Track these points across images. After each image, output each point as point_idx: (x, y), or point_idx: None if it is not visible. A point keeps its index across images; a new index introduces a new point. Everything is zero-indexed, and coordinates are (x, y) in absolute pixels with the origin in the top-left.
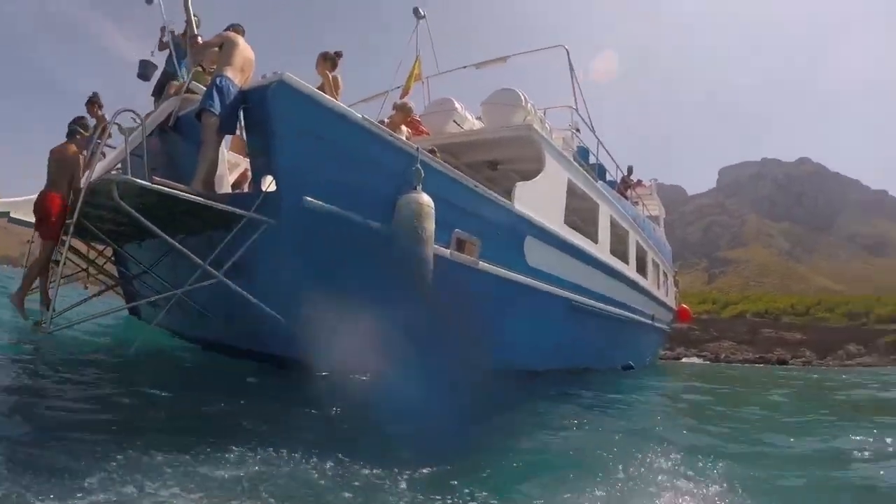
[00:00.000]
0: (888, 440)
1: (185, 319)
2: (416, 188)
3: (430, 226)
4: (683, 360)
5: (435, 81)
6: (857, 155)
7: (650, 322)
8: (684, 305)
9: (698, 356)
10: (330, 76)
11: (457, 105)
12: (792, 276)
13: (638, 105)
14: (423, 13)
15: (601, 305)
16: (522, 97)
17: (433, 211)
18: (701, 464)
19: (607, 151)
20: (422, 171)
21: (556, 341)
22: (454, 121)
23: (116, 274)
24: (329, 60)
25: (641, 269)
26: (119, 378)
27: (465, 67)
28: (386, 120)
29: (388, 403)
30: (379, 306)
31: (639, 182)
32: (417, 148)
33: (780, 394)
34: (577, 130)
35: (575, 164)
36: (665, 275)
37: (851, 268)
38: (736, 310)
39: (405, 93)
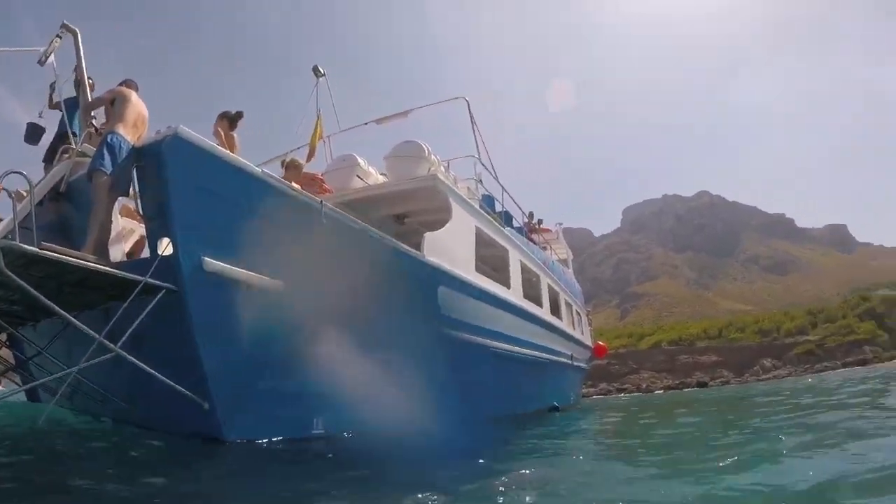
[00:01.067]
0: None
1: (88, 404)
2: None
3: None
4: (601, 396)
5: (338, 140)
6: (754, 183)
7: (570, 362)
8: (599, 342)
9: (620, 389)
10: (223, 134)
11: (360, 160)
12: (701, 303)
13: (544, 154)
14: (322, 71)
15: (519, 349)
16: (425, 149)
17: None
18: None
19: (512, 198)
20: (325, 222)
21: (479, 389)
22: (358, 176)
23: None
24: (228, 119)
25: (555, 310)
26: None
27: (366, 123)
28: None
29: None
30: (292, 369)
31: (540, 223)
32: (321, 201)
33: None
34: (480, 181)
35: (482, 212)
36: (578, 314)
37: (756, 289)
38: (651, 341)
39: (311, 153)
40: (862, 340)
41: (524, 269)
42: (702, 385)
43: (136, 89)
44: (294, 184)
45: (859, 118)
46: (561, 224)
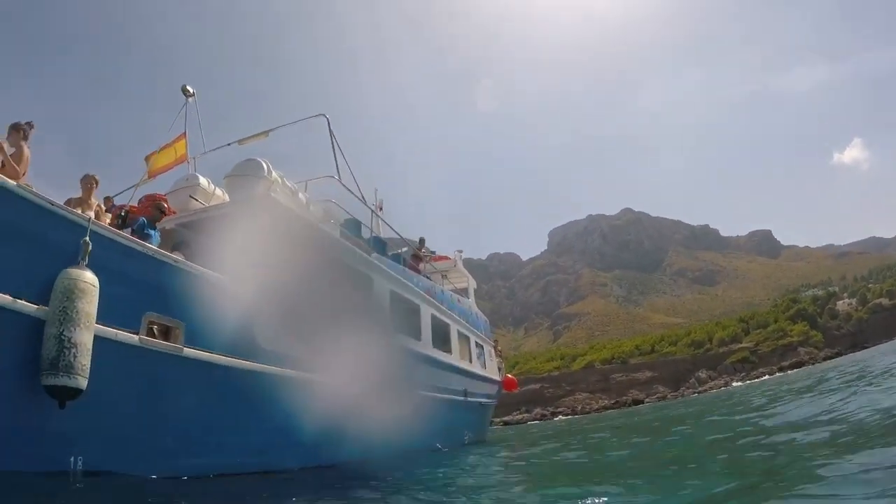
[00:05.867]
0: None
1: None
2: (79, 263)
3: (87, 306)
4: (536, 421)
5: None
6: (676, 197)
7: (462, 398)
8: (509, 375)
9: (554, 413)
10: (5, 147)
11: (202, 181)
12: (632, 319)
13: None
14: (191, 91)
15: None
16: (265, 167)
17: (96, 289)
18: None
19: (384, 221)
20: (90, 244)
21: (313, 433)
22: (192, 196)
23: None
24: (19, 131)
25: (442, 343)
26: None
27: (229, 144)
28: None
29: None
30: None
31: (431, 253)
32: (89, 219)
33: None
34: (381, 209)
35: (335, 235)
36: (479, 346)
37: (686, 301)
38: (584, 361)
39: (160, 170)
40: (796, 343)
41: (396, 299)
42: (637, 402)
43: None
44: (94, 200)
45: (770, 123)
46: (461, 251)
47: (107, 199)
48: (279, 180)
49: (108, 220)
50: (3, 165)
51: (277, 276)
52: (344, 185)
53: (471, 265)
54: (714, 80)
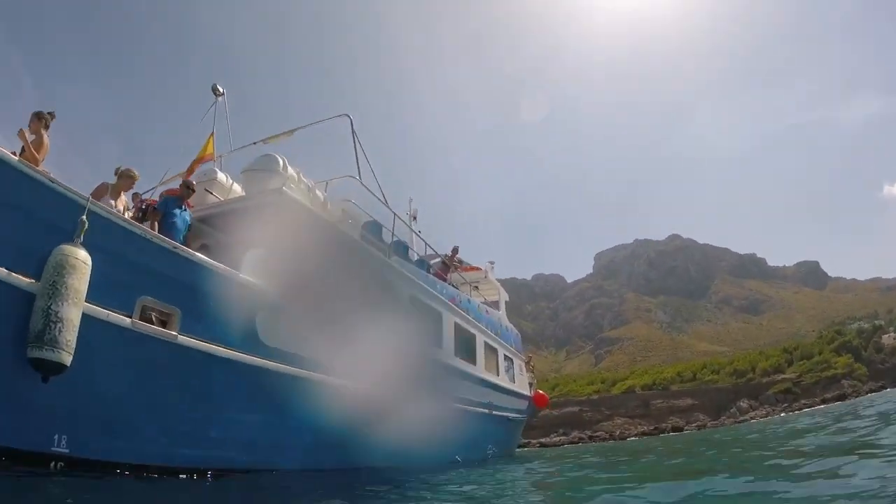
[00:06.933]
0: None
1: None
2: (74, 240)
3: (77, 282)
4: (573, 444)
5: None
6: (723, 225)
7: (486, 411)
8: (539, 391)
9: (592, 437)
10: (27, 136)
11: (219, 175)
12: (676, 346)
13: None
14: (221, 90)
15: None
16: (281, 162)
17: (88, 267)
18: None
19: (408, 225)
20: (86, 222)
21: (313, 435)
22: (208, 190)
23: None
24: (42, 120)
25: (466, 353)
26: None
27: (254, 143)
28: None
29: None
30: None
31: (459, 262)
32: (88, 198)
33: None
34: (414, 218)
35: (351, 235)
36: (508, 359)
37: (731, 329)
38: (625, 386)
39: (189, 171)
40: (839, 375)
41: (416, 304)
42: (677, 430)
43: None
44: (123, 196)
45: (820, 153)
46: (492, 262)
47: (135, 196)
48: (295, 176)
49: (130, 216)
50: (24, 151)
51: (285, 272)
52: (364, 186)
53: (515, 284)
54: (767, 108)
